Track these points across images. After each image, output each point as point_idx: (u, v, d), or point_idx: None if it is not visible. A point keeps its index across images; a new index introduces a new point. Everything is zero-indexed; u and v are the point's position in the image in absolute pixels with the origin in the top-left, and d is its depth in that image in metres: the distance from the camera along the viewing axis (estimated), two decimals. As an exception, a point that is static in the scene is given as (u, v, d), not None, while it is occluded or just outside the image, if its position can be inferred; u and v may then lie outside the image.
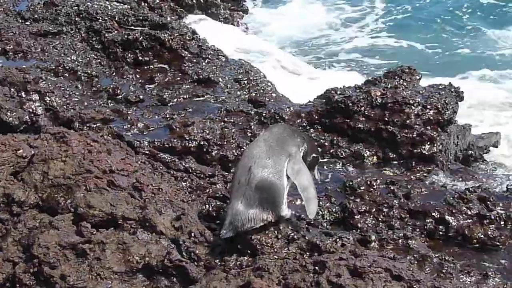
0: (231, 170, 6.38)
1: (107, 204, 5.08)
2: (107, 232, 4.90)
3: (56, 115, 7.10)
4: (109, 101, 7.68)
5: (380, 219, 5.86)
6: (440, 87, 7.61)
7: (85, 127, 6.74)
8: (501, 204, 5.94)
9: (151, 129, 7.01)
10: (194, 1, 12.22)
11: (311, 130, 7.36)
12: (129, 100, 7.75)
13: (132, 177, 5.43)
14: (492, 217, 5.68)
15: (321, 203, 6.03)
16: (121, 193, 5.21)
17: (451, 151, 7.48)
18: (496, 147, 9.05)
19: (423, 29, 16.36)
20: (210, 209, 5.79)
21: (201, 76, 8.42)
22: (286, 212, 4.95)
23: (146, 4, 11.62)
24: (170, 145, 6.72)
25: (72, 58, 8.42)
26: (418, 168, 7.00)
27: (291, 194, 5.31)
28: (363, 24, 16.43)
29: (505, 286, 4.90)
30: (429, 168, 6.99)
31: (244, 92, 8.47)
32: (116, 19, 9.20)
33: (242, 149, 6.88)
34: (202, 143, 6.77)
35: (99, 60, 8.54)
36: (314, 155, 5.30)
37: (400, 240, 5.36)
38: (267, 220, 4.86)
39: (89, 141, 5.54)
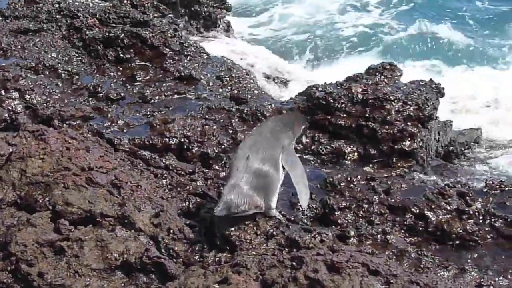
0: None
1: (85, 202, 5.06)
2: (85, 229, 4.88)
3: (35, 113, 7.06)
4: (90, 98, 7.64)
5: (360, 215, 5.86)
6: (421, 83, 7.64)
7: (64, 125, 6.71)
8: (480, 200, 5.98)
9: (132, 126, 6.99)
10: (177, -1, 12.19)
11: (293, 126, 7.35)
12: (110, 97, 7.72)
13: (111, 174, 5.42)
14: (471, 212, 5.71)
15: (301, 199, 6.03)
16: (99, 190, 5.20)
17: (432, 147, 7.51)
18: (478, 143, 9.10)
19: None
20: (190, 206, 5.80)
21: (182, 74, 8.40)
22: (275, 204, 5.15)
23: (128, 2, 11.59)
24: (150, 142, 6.70)
25: (53, 55, 8.37)
26: (399, 164, 7.02)
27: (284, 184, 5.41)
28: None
29: (481, 280, 4.92)
30: (410, 164, 7.02)
31: (226, 89, 8.46)
32: (97, 16, 9.15)
33: (223, 146, 6.89)
34: (182, 140, 6.76)
35: (80, 58, 8.50)
36: (303, 127, 5.58)
37: (378, 236, 5.38)
38: (259, 207, 5.02)
39: (67, 138, 5.52)
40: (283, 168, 5.13)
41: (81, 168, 5.31)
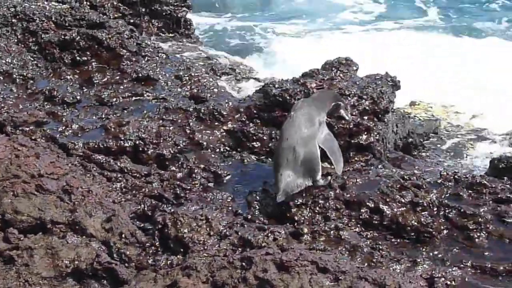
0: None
1: (35, 209, 5.03)
2: (35, 237, 4.85)
3: (-12, 120, 6.98)
4: (46, 103, 7.56)
5: (316, 211, 5.86)
6: (377, 77, 7.64)
7: (17, 131, 6.64)
8: (434, 191, 6.02)
9: (86, 130, 6.92)
10: (138, -2, 12.10)
11: (251, 124, 7.34)
12: (66, 101, 7.64)
13: (62, 180, 5.38)
14: (425, 204, 5.74)
15: (258, 197, 6.05)
16: (50, 197, 5.17)
17: (389, 140, 7.54)
18: (436, 133, 9.16)
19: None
20: (146, 208, 5.80)
21: (140, 74, 8.34)
22: (320, 176, 6.00)
23: (87, 3, 11.51)
24: (105, 145, 6.65)
25: (7, 60, 8.25)
26: (356, 159, 7.03)
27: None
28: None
29: (433, 272, 4.94)
30: (367, 158, 7.04)
31: (186, 89, 8.40)
32: (53, 19, 9.05)
33: (179, 147, 6.86)
34: (137, 142, 6.72)
35: (35, 62, 8.39)
36: (334, 104, 6.28)
37: (331, 232, 5.40)
38: (307, 184, 5.95)
39: (16, 145, 5.48)
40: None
41: (31, 175, 5.27)
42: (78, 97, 7.75)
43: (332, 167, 6.36)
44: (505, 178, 6.29)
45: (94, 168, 6.07)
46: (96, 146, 6.62)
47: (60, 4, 10.30)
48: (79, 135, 6.84)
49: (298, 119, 5.96)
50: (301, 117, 5.97)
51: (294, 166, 5.84)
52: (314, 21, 17.24)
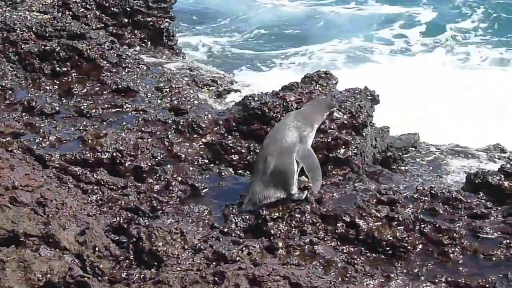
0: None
1: (8, 221, 4.98)
2: (7, 250, 4.80)
3: (-36, 131, 6.93)
4: (24, 114, 7.52)
5: (292, 225, 5.86)
6: (356, 91, 7.68)
7: (-6, 142, 6.60)
8: (410, 206, 6.05)
9: (64, 141, 6.89)
10: (120, 9, 12.09)
11: (230, 137, 7.35)
12: (45, 112, 7.61)
13: (36, 193, 5.35)
14: (400, 219, 5.75)
15: (234, 210, 6.05)
16: (23, 209, 5.13)
17: (367, 154, 7.56)
18: (415, 147, 9.20)
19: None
20: (121, 221, 5.77)
21: (120, 86, 8.32)
22: (295, 190, 5.93)
23: (70, 13, 11.50)
24: (82, 157, 6.62)
25: (-14, 71, 8.23)
26: (334, 172, 7.07)
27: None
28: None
29: (406, 287, 4.96)
30: (345, 172, 7.06)
31: (166, 100, 8.39)
32: (34, 30, 9.02)
33: (157, 159, 6.85)
34: (115, 154, 6.70)
35: (15, 72, 8.35)
36: (327, 113, 6.21)
37: (306, 246, 5.40)
38: (280, 197, 5.89)
39: (-10, 157, 5.44)
40: (298, 162, 5.89)
41: (5, 187, 5.24)
42: (57, 108, 7.72)
43: (309, 181, 6.38)
44: (481, 193, 6.32)
45: (70, 180, 6.04)
46: (73, 158, 6.59)
47: (42, 14, 10.28)
48: (56, 146, 6.80)
49: (280, 130, 5.96)
50: (283, 129, 5.94)
51: (262, 176, 5.83)
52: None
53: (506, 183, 6.36)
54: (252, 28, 17.68)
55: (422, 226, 5.81)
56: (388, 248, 5.66)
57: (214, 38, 15.85)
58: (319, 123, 6.18)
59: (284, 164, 5.83)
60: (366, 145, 7.51)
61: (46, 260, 4.80)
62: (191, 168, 6.87)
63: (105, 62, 8.63)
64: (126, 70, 8.73)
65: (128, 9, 12.19)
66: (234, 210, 6.05)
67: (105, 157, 6.68)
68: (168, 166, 6.76)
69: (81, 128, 7.24)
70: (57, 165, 6.31)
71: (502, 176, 6.44)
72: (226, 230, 5.82)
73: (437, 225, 5.77)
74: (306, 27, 18.43)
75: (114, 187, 6.23)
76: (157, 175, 6.63)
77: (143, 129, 7.37)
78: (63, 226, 5.08)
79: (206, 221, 5.91)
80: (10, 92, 7.92)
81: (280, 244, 5.37)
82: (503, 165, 6.65)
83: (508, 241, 5.61)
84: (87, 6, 11.83)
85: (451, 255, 5.56)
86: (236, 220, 5.96)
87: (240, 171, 7.05)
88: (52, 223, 5.04)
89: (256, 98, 7.55)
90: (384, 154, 8.27)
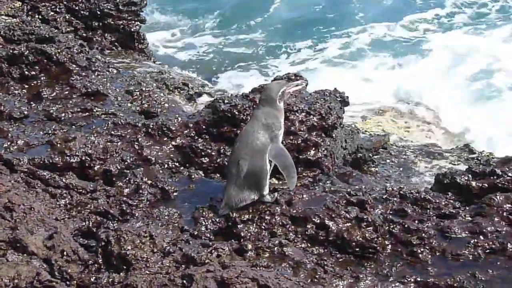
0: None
1: (-25, 227, 4.94)
2: (-26, 256, 4.76)
3: None
4: (-8, 118, 7.45)
5: (262, 227, 5.88)
6: (326, 92, 7.72)
7: (-40, 148, 6.53)
8: (380, 207, 6.09)
9: (32, 146, 6.82)
10: (90, 12, 12.01)
11: (200, 140, 7.33)
12: (14, 116, 7.54)
13: (3, 197, 5.31)
14: (370, 220, 5.78)
15: (204, 213, 6.04)
16: (-10, 214, 5.08)
17: (337, 155, 7.60)
18: (385, 148, 9.26)
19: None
20: (90, 225, 5.74)
21: (89, 89, 8.26)
22: (267, 192, 5.99)
23: (39, 17, 11.42)
24: (50, 161, 6.56)
25: (-48, 75, 8.13)
26: (304, 174, 7.09)
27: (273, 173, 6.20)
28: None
29: (375, 287, 4.99)
30: (315, 174, 7.09)
31: (136, 104, 8.37)
32: (2, 33, 8.94)
33: (127, 163, 6.82)
34: (84, 158, 6.65)
35: (-18, 77, 8.27)
36: (279, 94, 6.12)
37: (275, 248, 5.40)
38: (254, 198, 5.93)
39: (-45, 162, 5.38)
40: (270, 162, 5.95)
41: (-29, 192, 5.19)
42: (26, 112, 7.65)
43: (280, 182, 6.40)
44: (449, 193, 6.38)
45: (38, 185, 5.99)
46: (41, 162, 6.52)
47: (10, 18, 10.19)
48: (24, 151, 6.74)
49: (249, 133, 5.98)
50: (251, 130, 5.98)
51: (237, 179, 5.85)
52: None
53: (473, 183, 6.43)
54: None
55: (391, 226, 5.85)
56: (357, 249, 5.69)
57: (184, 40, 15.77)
58: (282, 112, 6.15)
59: (257, 166, 5.87)
60: (336, 146, 7.54)
61: (14, 265, 4.76)
62: (161, 171, 6.85)
63: (74, 65, 8.54)
64: (96, 74, 8.66)
65: (98, 12, 12.11)
66: (204, 213, 6.04)
67: (74, 160, 6.63)
68: (138, 169, 6.73)
69: (50, 132, 7.17)
70: (25, 170, 6.25)
71: (470, 176, 6.51)
72: (196, 233, 5.81)
73: (406, 226, 5.81)
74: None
75: (83, 191, 6.20)
76: (127, 178, 6.60)
77: (112, 132, 7.31)
78: (30, 230, 5.04)
79: (176, 224, 5.89)
80: (-23, 96, 7.82)
81: (250, 246, 5.37)
82: (471, 165, 6.72)
83: (475, 240, 5.68)
84: (57, 9, 11.75)
85: (420, 255, 5.61)
86: (206, 223, 5.96)
87: (211, 174, 7.04)
88: (19, 228, 5.00)
89: (226, 101, 7.54)
90: (355, 155, 8.31)
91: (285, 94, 6.20)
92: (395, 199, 6.24)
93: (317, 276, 5.13)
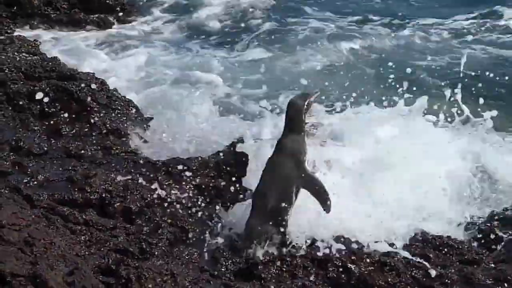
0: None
1: (-5, 261, 4.87)
2: (-7, 290, 4.69)
3: (-50, 173, 6.81)
4: (11, 153, 7.42)
5: (284, 269, 5.81)
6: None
7: (-19, 182, 6.49)
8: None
9: (52, 181, 6.80)
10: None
11: (220, 179, 7.28)
12: (33, 152, 7.53)
13: (24, 232, 5.24)
14: (392, 264, 5.71)
15: (224, 253, 5.98)
16: (10, 248, 5.00)
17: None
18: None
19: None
20: (110, 262, 5.65)
21: (109, 127, 8.29)
22: (286, 229, 5.92)
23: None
24: (70, 197, 6.53)
25: (-27, 110, 8.15)
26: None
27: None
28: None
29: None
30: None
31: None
32: (23, 70, 8.99)
33: (147, 200, 6.77)
34: (104, 195, 6.62)
35: (2, 112, 8.27)
36: (304, 110, 6.08)
37: (298, 290, 5.33)
38: (277, 234, 5.88)
39: (-23, 195, 5.35)
40: (296, 194, 5.90)
41: (-8, 225, 5.13)
42: (45, 148, 7.65)
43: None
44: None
45: (58, 220, 5.93)
46: (61, 198, 6.50)
47: (31, 56, 10.25)
48: (44, 186, 6.71)
49: (274, 163, 5.99)
50: (277, 160, 5.99)
51: (261, 212, 5.85)
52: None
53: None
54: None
55: (414, 271, 5.77)
56: (379, 293, 5.61)
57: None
58: (305, 136, 6.09)
59: (283, 199, 5.85)
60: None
61: (33, 301, 4.69)
62: (180, 211, 6.79)
63: (94, 103, 8.57)
64: (116, 112, 8.68)
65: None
66: (224, 253, 5.98)
67: (94, 197, 6.60)
68: (158, 208, 6.68)
69: (69, 168, 7.15)
70: (45, 205, 6.21)
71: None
72: (216, 273, 5.75)
73: (428, 271, 5.73)
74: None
75: (103, 228, 6.14)
76: (147, 216, 6.55)
77: (132, 170, 7.29)
78: (51, 266, 4.96)
79: (196, 264, 5.84)
80: (-3, 131, 7.82)
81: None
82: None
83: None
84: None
85: (444, 300, 5.53)
86: (226, 263, 5.90)
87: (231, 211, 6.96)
88: (39, 263, 4.92)
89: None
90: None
91: (310, 105, 6.14)
92: (417, 244, 6.17)
93: (339, 322, 5.04)
